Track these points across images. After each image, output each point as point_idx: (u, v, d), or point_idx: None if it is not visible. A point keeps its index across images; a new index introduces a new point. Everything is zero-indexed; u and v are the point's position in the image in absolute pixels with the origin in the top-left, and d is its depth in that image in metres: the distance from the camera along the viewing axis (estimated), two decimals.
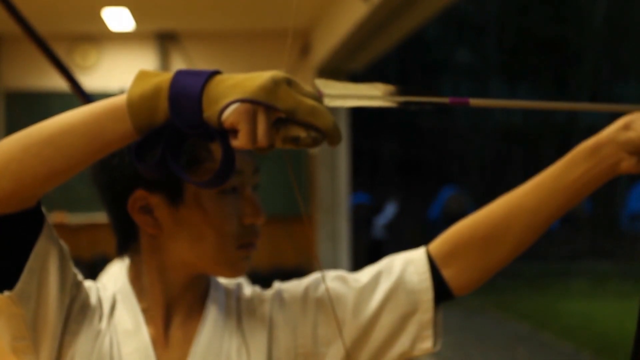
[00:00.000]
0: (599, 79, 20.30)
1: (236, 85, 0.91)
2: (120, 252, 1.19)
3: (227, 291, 1.22)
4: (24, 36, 1.26)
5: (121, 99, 0.95)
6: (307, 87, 0.94)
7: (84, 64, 8.06)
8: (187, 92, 0.91)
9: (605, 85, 20.48)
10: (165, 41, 8.13)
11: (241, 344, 1.17)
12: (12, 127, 7.49)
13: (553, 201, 1.13)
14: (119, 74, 7.86)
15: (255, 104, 0.90)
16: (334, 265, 7.75)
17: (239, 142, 0.90)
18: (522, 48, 21.14)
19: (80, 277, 1.14)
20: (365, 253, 13.17)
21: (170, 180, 1.09)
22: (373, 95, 1.02)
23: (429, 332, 1.16)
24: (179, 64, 8.02)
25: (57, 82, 1.25)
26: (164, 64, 8.03)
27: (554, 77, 21.05)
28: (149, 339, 1.15)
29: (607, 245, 16.72)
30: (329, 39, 7.03)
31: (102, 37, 8.08)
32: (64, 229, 7.34)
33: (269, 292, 1.22)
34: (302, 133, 0.92)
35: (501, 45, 21.13)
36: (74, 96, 1.21)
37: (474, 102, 1.04)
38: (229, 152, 0.94)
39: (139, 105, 0.93)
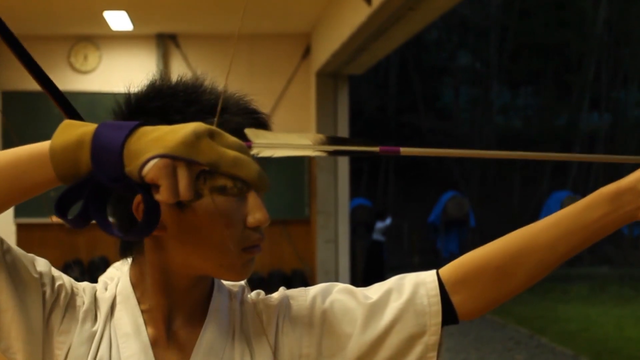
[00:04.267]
0: (599, 84, 20.31)
1: (157, 139, 0.90)
2: (123, 253, 1.19)
3: (230, 293, 1.21)
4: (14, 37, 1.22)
5: (45, 146, 0.95)
6: (232, 138, 0.93)
7: (84, 66, 8.07)
8: (108, 146, 0.91)
9: (606, 90, 20.50)
10: (165, 44, 8.13)
11: (245, 348, 1.16)
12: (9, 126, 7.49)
13: (568, 240, 1.15)
14: (119, 76, 7.86)
15: (174, 159, 0.89)
16: (334, 269, 7.74)
17: (161, 196, 0.90)
18: (523, 52, 21.15)
19: (60, 281, 1.13)
20: (365, 255, 13.17)
21: None
22: (303, 144, 1.02)
23: (433, 354, 1.17)
24: (179, 66, 8.03)
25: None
26: (164, 66, 8.04)
27: (555, 81, 21.05)
28: (150, 340, 1.14)
29: (607, 250, 16.72)
30: (330, 42, 7.03)
31: (103, 40, 8.09)
32: (63, 231, 7.34)
33: (274, 297, 1.21)
34: (228, 183, 0.91)
35: (502, 50, 21.14)
36: (69, 96, 1.19)
37: (405, 151, 1.03)
38: (151, 206, 0.93)
39: (61, 157, 0.93)
